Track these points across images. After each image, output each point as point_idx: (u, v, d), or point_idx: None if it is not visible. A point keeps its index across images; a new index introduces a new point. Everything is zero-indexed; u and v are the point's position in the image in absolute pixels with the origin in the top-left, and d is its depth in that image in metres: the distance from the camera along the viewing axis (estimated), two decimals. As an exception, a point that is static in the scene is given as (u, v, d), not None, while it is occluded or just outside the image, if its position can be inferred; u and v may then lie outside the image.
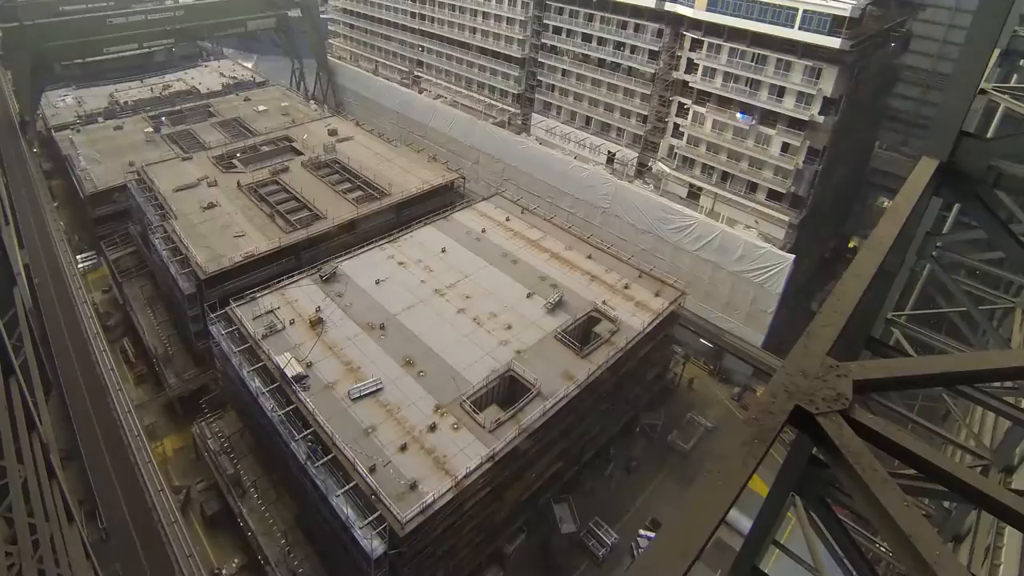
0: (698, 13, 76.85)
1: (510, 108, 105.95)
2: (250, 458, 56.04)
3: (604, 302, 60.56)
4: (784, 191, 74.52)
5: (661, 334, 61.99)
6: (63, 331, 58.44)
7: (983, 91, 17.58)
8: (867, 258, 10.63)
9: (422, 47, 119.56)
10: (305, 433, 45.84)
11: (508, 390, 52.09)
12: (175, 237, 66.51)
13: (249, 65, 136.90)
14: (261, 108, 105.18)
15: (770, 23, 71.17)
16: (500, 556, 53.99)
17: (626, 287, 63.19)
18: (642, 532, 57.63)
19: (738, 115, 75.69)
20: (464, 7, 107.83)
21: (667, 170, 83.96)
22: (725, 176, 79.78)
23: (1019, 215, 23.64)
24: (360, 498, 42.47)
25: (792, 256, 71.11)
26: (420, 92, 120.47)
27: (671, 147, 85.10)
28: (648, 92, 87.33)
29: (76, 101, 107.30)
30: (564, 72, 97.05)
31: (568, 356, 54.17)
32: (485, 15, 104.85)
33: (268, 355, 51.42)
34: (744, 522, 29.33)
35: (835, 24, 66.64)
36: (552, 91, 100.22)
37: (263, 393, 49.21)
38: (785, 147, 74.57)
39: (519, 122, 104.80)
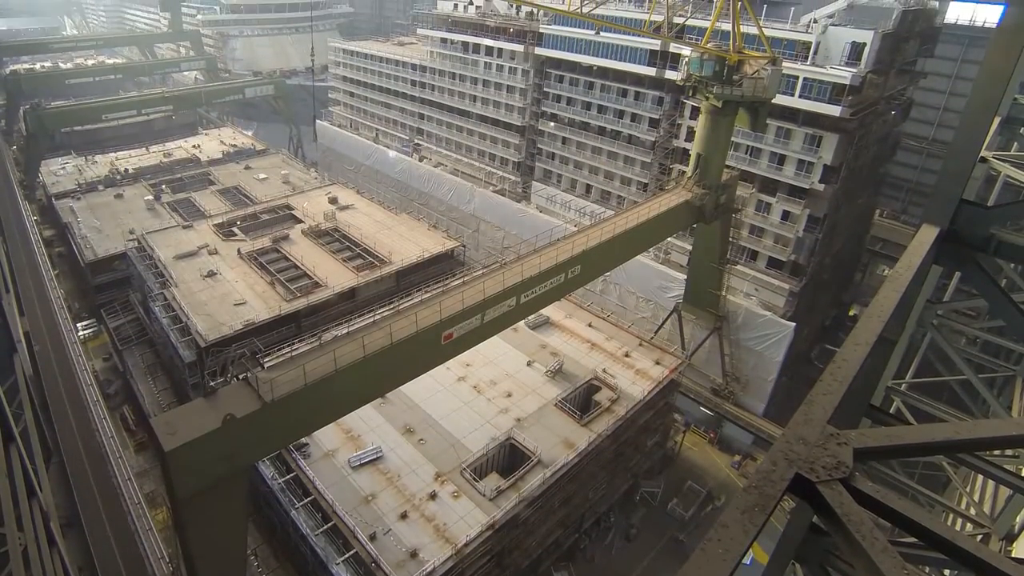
0: None
1: (510, 176, 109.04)
2: (251, 526, 57.08)
3: (604, 370, 62.61)
4: (785, 259, 76.84)
5: (661, 402, 63.84)
6: (63, 398, 60.01)
7: (983, 159, 18.86)
8: (867, 326, 11.00)
9: (422, 115, 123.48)
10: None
11: (508, 458, 53.79)
12: (175, 305, 68.59)
13: (249, 133, 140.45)
14: (261, 176, 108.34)
15: None
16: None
17: (626, 355, 65.23)
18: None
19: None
20: (465, 76, 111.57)
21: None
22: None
23: (1020, 283, 25.25)
24: (360, 566, 43.96)
25: (793, 324, 73.09)
26: (420, 160, 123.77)
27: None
28: (648, 160, 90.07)
29: (76, 169, 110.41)
30: (564, 140, 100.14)
31: (568, 424, 55.98)
32: (486, 83, 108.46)
33: (268, 423, 52.92)
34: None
35: (835, 92, 68.79)
36: (552, 159, 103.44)
37: (263, 461, 50.63)
38: (785, 215, 77.00)
39: (519, 190, 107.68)
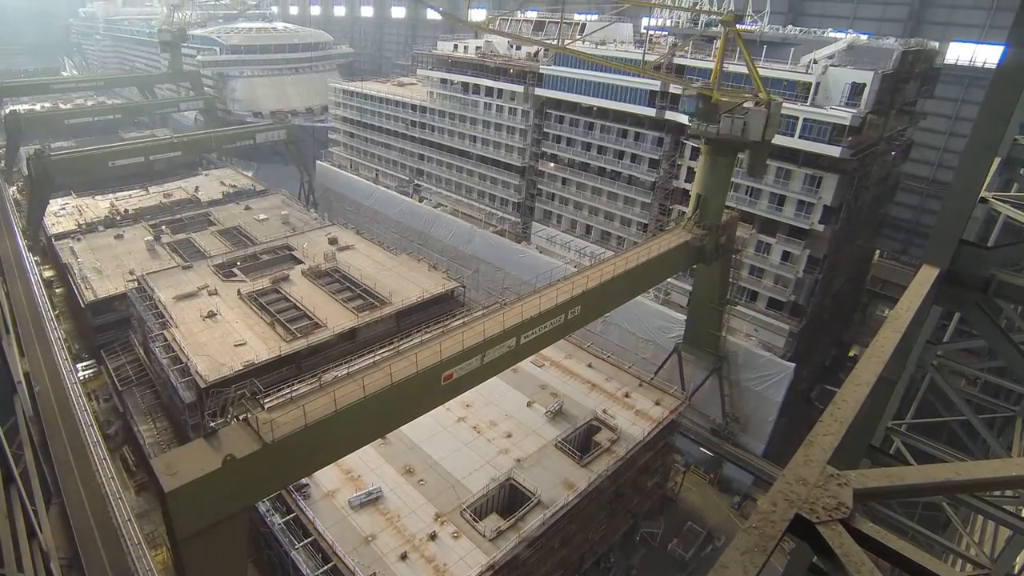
0: None
1: (510, 216, 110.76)
2: (251, 566, 57.64)
3: (604, 411, 63.60)
4: (784, 300, 77.95)
5: (661, 443, 64.68)
6: (63, 439, 60.88)
7: (983, 199, 18.70)
8: (867, 366, 11.12)
9: (422, 156, 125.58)
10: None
11: (508, 498, 54.64)
12: (175, 346, 69.72)
13: (249, 174, 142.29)
14: (261, 217, 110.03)
15: None
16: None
17: (626, 395, 66.25)
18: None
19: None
20: (465, 116, 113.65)
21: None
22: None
23: (1020, 323, 26.03)
24: (361, 606, 44.45)
25: (792, 365, 74.19)
26: (420, 201, 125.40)
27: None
28: (648, 201, 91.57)
29: (76, 209, 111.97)
30: (564, 181, 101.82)
31: (568, 465, 56.89)
32: (486, 124, 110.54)
33: (268, 463, 53.78)
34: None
35: (835, 133, 69.71)
36: (552, 200, 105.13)
37: (263, 501, 51.47)
38: (785, 256, 78.04)
39: (519, 230, 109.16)
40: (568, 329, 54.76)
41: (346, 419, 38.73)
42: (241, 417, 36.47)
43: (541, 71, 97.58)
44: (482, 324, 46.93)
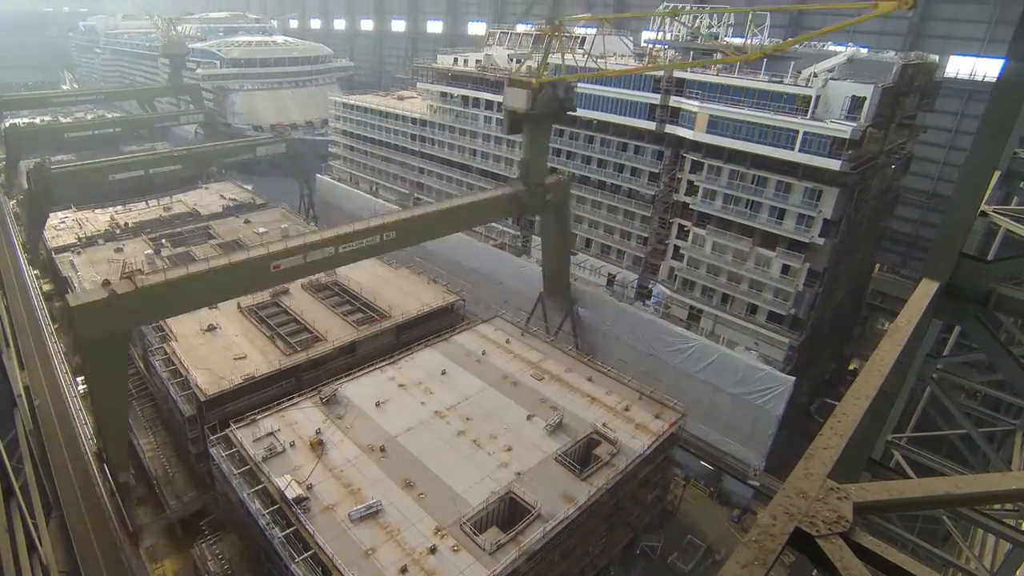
0: (699, 135, 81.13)
1: (510, 230, 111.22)
2: (251, 582, 58.02)
3: (604, 424, 63.77)
4: (784, 313, 78.31)
5: (661, 456, 64.93)
6: (63, 453, 61.32)
7: (983, 213, 18.46)
8: (867, 380, 10.97)
9: (422, 169, 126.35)
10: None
11: (508, 512, 54.76)
12: (175, 359, 70.31)
13: (249, 187, 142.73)
14: (261, 230, 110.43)
15: (770, 145, 74.92)
16: None
17: (626, 409, 66.44)
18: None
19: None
20: (465, 129, 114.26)
21: (667, 292, 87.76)
22: (725, 298, 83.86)
23: (1020, 337, 26.24)
24: (360, 620, 44.63)
25: (792, 378, 74.54)
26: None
27: (671, 269, 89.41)
28: (648, 214, 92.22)
29: (76, 223, 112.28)
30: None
31: (568, 478, 57.04)
32: (485, 137, 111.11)
33: (268, 477, 54.51)
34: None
35: (835, 146, 70.13)
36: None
37: (263, 515, 51.99)
38: (785, 269, 78.33)
39: (519, 244, 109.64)
40: (385, 248, 73.04)
41: (194, 282, 57.86)
42: (126, 276, 55.48)
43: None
44: (305, 237, 65.99)
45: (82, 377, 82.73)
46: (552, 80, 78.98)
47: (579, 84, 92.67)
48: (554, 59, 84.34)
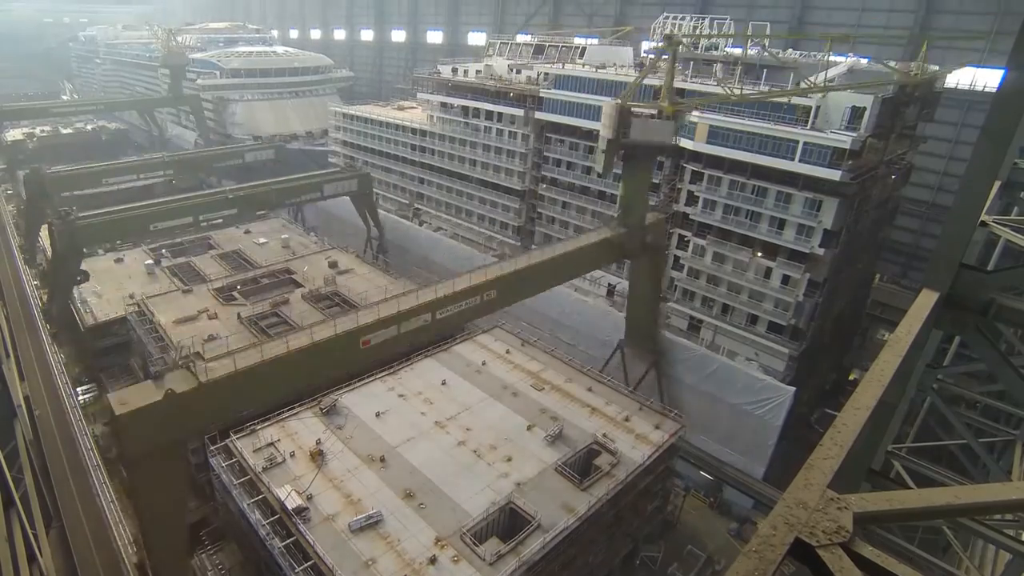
0: (699, 145, 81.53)
1: (510, 240, 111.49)
2: (250, 591, 58.03)
3: (604, 434, 64.05)
4: (785, 323, 78.52)
5: (661, 466, 65.07)
6: (64, 463, 61.36)
7: (983, 223, 18.42)
8: (867, 390, 11.10)
9: (422, 179, 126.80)
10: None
11: (508, 522, 54.94)
12: (176, 370, 69.80)
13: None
14: (261, 240, 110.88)
15: (771, 155, 75.31)
16: None
17: (626, 419, 66.70)
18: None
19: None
20: (465, 140, 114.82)
21: (668, 302, 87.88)
22: (725, 308, 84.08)
23: (1020, 347, 26.35)
24: (361, 630, 44.70)
25: (793, 388, 74.81)
26: (420, 224, 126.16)
27: (671, 279, 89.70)
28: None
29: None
30: (564, 204, 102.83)
31: (568, 488, 57.27)
32: (486, 148, 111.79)
33: (268, 487, 54.76)
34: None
35: (835, 156, 70.52)
36: (552, 223, 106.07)
37: (264, 525, 52.24)
38: (785, 280, 78.64)
39: (519, 254, 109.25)
40: (484, 310, 63.09)
41: (270, 369, 46.18)
42: (183, 364, 43.61)
43: (541, 95, 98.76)
44: (397, 301, 54.62)
45: (83, 388, 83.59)
46: (685, 108, 71.49)
47: (578, 94, 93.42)
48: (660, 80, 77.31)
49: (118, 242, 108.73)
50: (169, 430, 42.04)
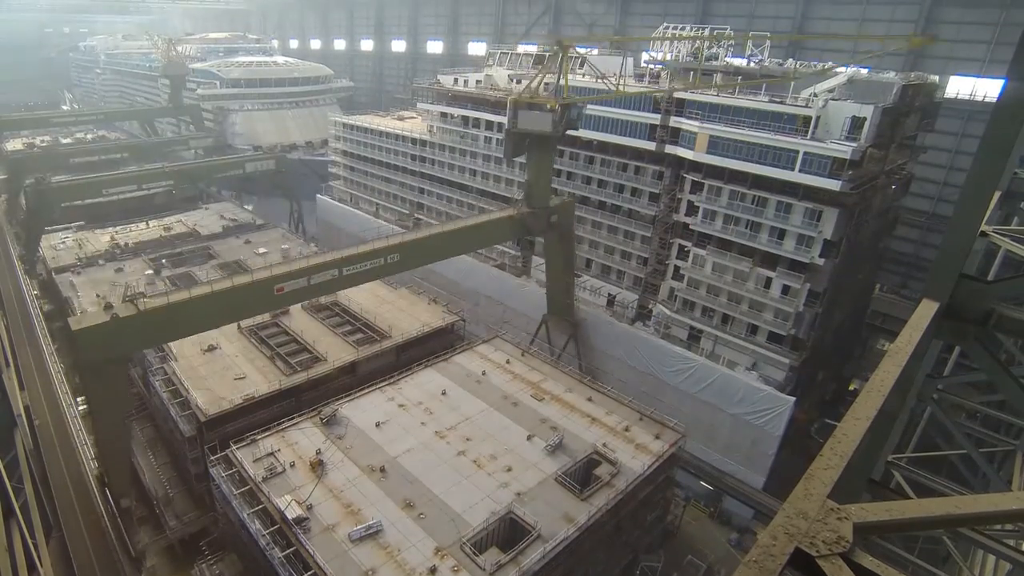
0: (699, 155, 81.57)
1: (510, 251, 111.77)
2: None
3: (604, 444, 64.25)
4: (785, 334, 78.48)
5: (661, 476, 65.29)
6: (64, 473, 61.71)
7: (983, 233, 18.26)
8: (867, 400, 11.14)
9: (422, 189, 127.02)
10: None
11: (508, 532, 55.11)
12: (175, 379, 70.89)
13: (249, 208, 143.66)
14: (261, 250, 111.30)
15: (771, 166, 75.27)
16: None
17: (626, 429, 66.89)
18: None
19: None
20: (465, 150, 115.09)
21: (668, 312, 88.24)
22: (725, 319, 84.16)
23: (1020, 357, 26.54)
24: (360, 640, 44.88)
25: (793, 399, 74.99)
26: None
27: (671, 289, 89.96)
28: (648, 234, 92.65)
29: (76, 243, 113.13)
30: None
31: (568, 498, 57.44)
32: (486, 158, 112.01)
33: (268, 497, 54.94)
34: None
35: (835, 166, 70.50)
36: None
37: (264, 535, 52.43)
38: (785, 290, 78.50)
39: (519, 264, 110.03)
40: (389, 271, 74.20)
41: (197, 305, 58.47)
42: (128, 299, 55.91)
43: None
44: (307, 260, 67.38)
45: (83, 397, 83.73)
46: (569, 102, 78.98)
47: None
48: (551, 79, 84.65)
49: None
50: (115, 345, 54.79)
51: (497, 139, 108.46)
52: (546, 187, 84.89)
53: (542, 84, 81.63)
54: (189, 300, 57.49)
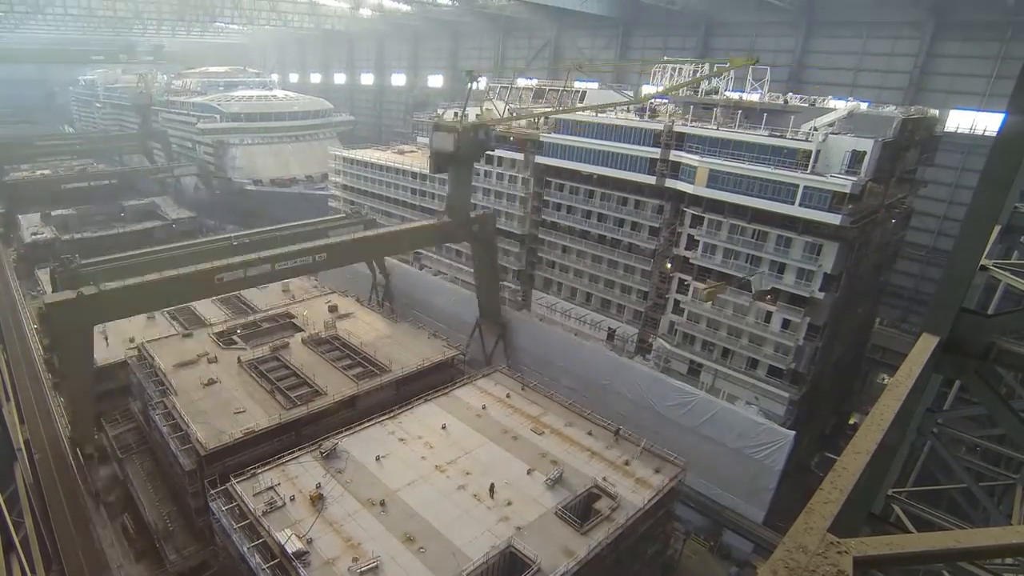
0: (699, 189, 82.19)
1: (510, 284, 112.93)
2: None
3: (604, 478, 64.81)
4: (785, 367, 79.28)
5: (661, 510, 65.80)
6: (64, 507, 62.38)
7: (984, 267, 18.27)
8: (867, 434, 11.11)
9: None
10: None
11: (508, 566, 55.63)
12: (175, 413, 71.56)
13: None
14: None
15: (771, 199, 75.82)
16: None
17: (626, 463, 67.52)
18: None
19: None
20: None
21: (668, 346, 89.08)
22: (726, 352, 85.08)
23: (1020, 391, 27.06)
24: (361, 675, 45.41)
25: (793, 433, 75.55)
26: (420, 268, 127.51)
27: (671, 323, 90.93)
28: (649, 268, 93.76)
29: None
30: (564, 248, 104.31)
31: (568, 532, 57.98)
32: (486, 192, 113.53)
33: (269, 531, 55.55)
34: None
35: (835, 200, 70.88)
36: (552, 267, 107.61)
37: (264, 569, 53.03)
38: (785, 324, 79.23)
39: (519, 298, 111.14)
40: (317, 268, 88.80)
41: (149, 288, 71.08)
42: (94, 283, 68.14)
43: (541, 139, 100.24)
44: (245, 255, 79.30)
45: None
46: (476, 125, 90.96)
47: (578, 139, 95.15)
48: (490, 107, 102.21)
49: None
50: (81, 317, 67.43)
51: (497, 173, 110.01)
52: (466, 200, 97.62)
53: (462, 112, 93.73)
54: (143, 284, 70.62)
